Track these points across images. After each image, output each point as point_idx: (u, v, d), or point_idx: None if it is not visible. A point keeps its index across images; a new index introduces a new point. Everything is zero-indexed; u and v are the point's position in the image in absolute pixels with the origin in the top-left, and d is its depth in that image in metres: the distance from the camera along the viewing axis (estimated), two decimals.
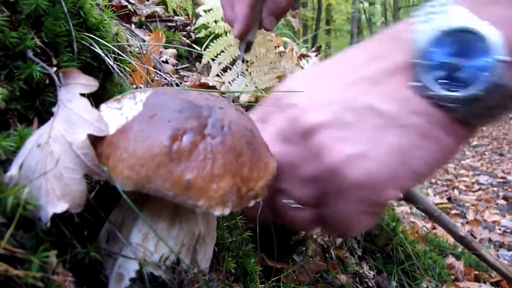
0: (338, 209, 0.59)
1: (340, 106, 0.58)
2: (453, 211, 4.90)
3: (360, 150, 0.55)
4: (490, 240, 4.09)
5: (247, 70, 1.60)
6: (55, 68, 0.50)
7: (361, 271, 1.55)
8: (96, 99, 0.68)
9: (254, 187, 0.47)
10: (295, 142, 0.59)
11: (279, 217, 0.65)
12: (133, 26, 1.95)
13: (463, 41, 0.55)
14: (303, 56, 2.36)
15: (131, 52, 0.72)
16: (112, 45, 0.63)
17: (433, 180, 6.92)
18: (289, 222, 0.65)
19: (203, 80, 1.73)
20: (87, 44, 0.61)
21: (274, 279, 0.72)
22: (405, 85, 0.57)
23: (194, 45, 2.03)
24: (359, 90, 0.59)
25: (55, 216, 0.43)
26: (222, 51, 1.56)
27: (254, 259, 0.71)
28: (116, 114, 0.47)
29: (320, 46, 2.65)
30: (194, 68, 1.91)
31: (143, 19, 2.03)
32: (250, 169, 0.46)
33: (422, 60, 0.56)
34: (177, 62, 1.83)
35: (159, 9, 2.23)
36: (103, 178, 0.43)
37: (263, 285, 0.69)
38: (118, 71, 0.62)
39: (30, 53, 0.50)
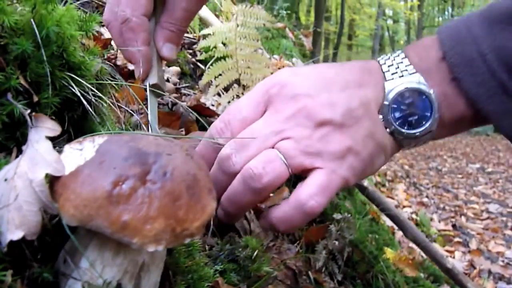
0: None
1: (342, 110, 0.77)
2: (456, 239, 4.86)
3: (356, 148, 0.77)
4: (490, 272, 4.05)
5: (242, 93, 1.67)
6: (29, 111, 0.58)
7: None
8: (77, 129, 0.76)
9: (189, 227, 0.54)
10: (306, 126, 0.76)
11: (266, 223, 0.85)
12: None
13: (417, 97, 0.78)
14: None
15: (113, 86, 0.80)
16: (91, 83, 0.71)
17: (441, 205, 6.87)
18: (276, 224, 0.81)
19: (202, 99, 1.81)
20: (68, 83, 0.69)
21: None
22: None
23: (199, 64, 2.12)
24: (353, 105, 0.78)
25: (13, 242, 0.51)
26: (220, 75, 1.64)
27: (208, 283, 0.77)
28: (77, 155, 0.55)
29: None
30: (197, 86, 1.99)
31: None
32: (186, 211, 0.53)
33: (389, 103, 0.79)
34: (178, 80, 1.92)
35: None
36: (55, 213, 0.50)
37: None
38: (93, 109, 0.70)
39: (9, 96, 0.58)
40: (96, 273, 0.55)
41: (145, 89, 0.96)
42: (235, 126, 0.80)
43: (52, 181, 0.52)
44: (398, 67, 0.80)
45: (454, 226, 5.46)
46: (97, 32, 1.46)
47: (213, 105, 1.83)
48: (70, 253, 0.57)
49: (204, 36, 1.81)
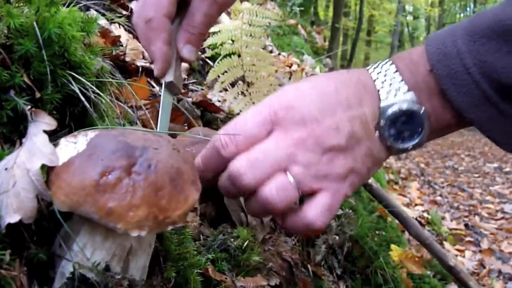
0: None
1: (346, 134, 0.84)
2: (468, 238, 4.83)
3: (357, 167, 0.85)
4: (500, 272, 4.02)
5: (247, 90, 1.72)
6: (29, 106, 0.64)
7: None
8: (78, 124, 0.82)
9: (171, 216, 0.59)
10: (316, 152, 0.82)
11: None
12: None
13: (410, 116, 0.83)
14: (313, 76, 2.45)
15: (113, 84, 0.85)
16: (90, 81, 0.76)
17: (455, 204, 6.82)
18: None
19: (209, 95, 1.86)
20: (69, 80, 0.75)
21: None
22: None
23: (207, 60, 2.17)
24: (355, 127, 0.84)
25: (12, 225, 0.56)
26: (225, 71, 1.69)
27: (197, 270, 0.82)
28: (71, 147, 0.60)
29: (332, 68, 2.73)
30: (205, 82, 2.04)
31: None
32: (169, 201, 0.58)
33: (385, 123, 0.84)
34: (186, 76, 1.97)
35: None
36: (49, 199, 0.56)
37: None
38: (93, 106, 0.76)
39: (12, 93, 0.64)
40: (86, 256, 0.60)
41: (161, 86, 1.01)
42: (240, 141, 0.84)
43: (48, 171, 0.58)
44: (391, 84, 0.85)
45: (466, 225, 5.42)
46: (106, 29, 1.52)
47: (219, 101, 1.88)
48: (64, 237, 0.62)
49: (212, 34, 1.85)
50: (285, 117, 0.83)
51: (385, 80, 0.85)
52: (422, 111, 0.82)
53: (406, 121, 0.83)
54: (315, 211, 0.83)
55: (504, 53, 0.76)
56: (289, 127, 0.83)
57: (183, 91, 1.80)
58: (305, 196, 0.84)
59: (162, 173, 0.59)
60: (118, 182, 0.55)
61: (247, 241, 0.93)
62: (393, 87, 0.84)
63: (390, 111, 0.83)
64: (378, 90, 0.85)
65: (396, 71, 0.85)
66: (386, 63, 0.88)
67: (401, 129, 0.84)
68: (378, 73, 0.87)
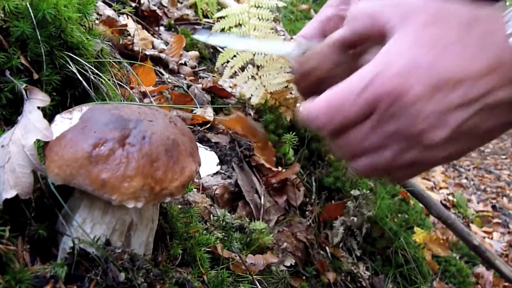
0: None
1: (449, 130, 0.61)
2: (495, 220, 4.70)
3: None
4: None
5: (257, 74, 1.70)
6: (24, 85, 0.64)
7: (355, 271, 1.61)
8: (80, 103, 0.82)
9: (168, 187, 0.58)
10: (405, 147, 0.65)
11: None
12: (162, 28, 2.11)
13: None
14: None
15: (114, 65, 0.85)
16: (88, 62, 0.76)
17: (482, 187, 6.65)
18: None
19: (220, 81, 1.85)
20: (66, 61, 0.75)
21: (223, 266, 0.82)
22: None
23: (218, 48, 2.16)
24: (466, 117, 0.61)
25: (10, 201, 0.56)
26: (234, 56, 1.67)
27: (205, 248, 0.82)
28: (67, 123, 0.60)
29: None
30: (216, 69, 2.03)
31: (173, 22, 2.18)
32: (165, 172, 0.58)
33: None
34: (197, 64, 1.96)
35: (190, 12, 2.37)
36: (44, 174, 0.56)
37: (210, 270, 0.80)
38: (93, 86, 0.75)
39: (7, 73, 0.64)
40: (86, 230, 0.60)
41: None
42: (334, 118, 0.67)
43: (43, 146, 0.58)
44: None
45: (494, 207, 5.27)
46: (113, 19, 1.52)
47: (230, 87, 1.86)
48: (65, 213, 0.62)
49: (219, 19, 1.84)
50: (386, 108, 0.65)
51: None
52: None
53: None
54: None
55: None
56: (385, 118, 0.66)
57: (192, 77, 1.79)
58: None
59: (157, 144, 0.58)
60: (111, 153, 0.55)
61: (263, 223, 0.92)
62: None
63: None
64: None
65: None
66: None
67: None
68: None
